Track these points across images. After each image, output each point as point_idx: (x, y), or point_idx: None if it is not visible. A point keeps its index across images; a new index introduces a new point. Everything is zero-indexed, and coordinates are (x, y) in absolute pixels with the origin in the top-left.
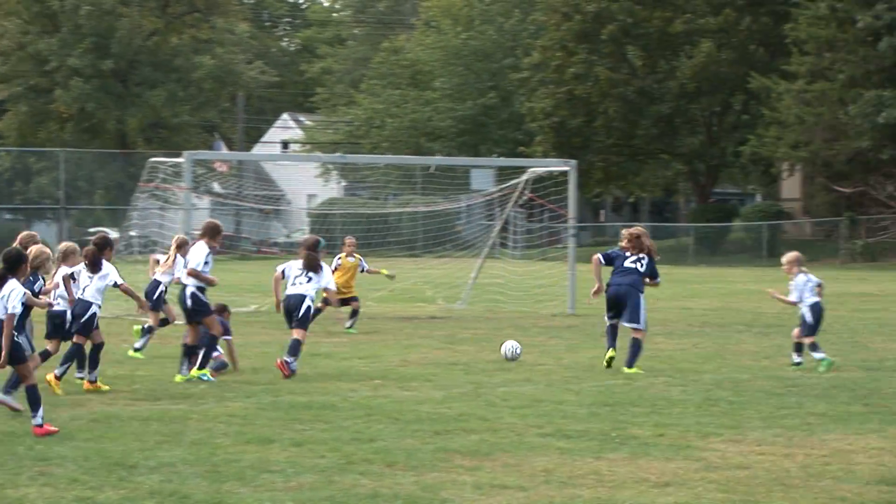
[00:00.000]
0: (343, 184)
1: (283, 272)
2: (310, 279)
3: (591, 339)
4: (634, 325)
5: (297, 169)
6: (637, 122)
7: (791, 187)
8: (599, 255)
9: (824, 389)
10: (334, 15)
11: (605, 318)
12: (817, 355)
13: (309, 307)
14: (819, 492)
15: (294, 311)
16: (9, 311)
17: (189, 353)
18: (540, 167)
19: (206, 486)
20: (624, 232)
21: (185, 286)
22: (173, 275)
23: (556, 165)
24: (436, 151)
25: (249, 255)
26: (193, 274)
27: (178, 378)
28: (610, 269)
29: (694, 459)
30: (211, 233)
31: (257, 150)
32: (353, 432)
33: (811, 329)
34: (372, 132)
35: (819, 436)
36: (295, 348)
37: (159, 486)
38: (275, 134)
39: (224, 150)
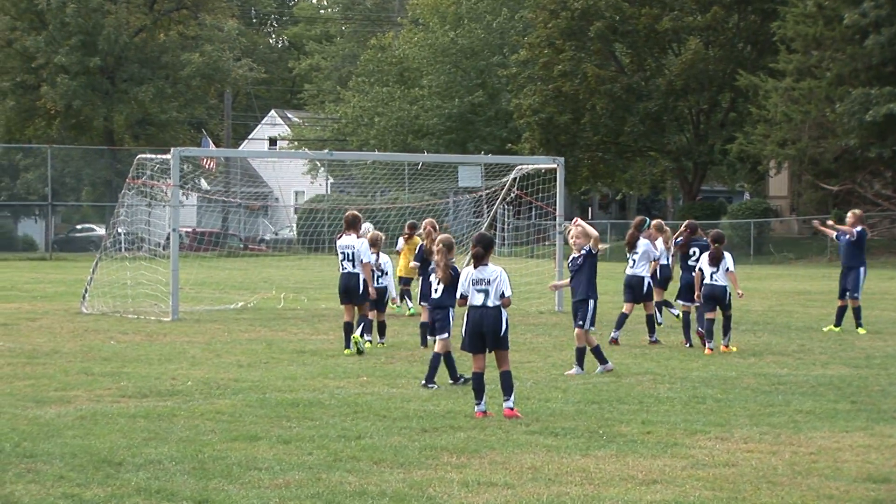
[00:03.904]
0: (330, 181)
1: None
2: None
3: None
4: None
5: (285, 166)
6: (625, 120)
7: (778, 185)
8: None
9: (811, 387)
10: (322, 12)
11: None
12: None
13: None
14: (806, 489)
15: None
16: None
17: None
18: (527, 164)
19: (192, 484)
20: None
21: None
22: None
23: (544, 163)
24: (423, 149)
25: (237, 252)
26: None
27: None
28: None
29: (681, 457)
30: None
31: (245, 147)
32: (340, 429)
33: None
34: (360, 129)
35: (806, 433)
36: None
37: (146, 483)
38: (262, 131)
39: (212, 147)
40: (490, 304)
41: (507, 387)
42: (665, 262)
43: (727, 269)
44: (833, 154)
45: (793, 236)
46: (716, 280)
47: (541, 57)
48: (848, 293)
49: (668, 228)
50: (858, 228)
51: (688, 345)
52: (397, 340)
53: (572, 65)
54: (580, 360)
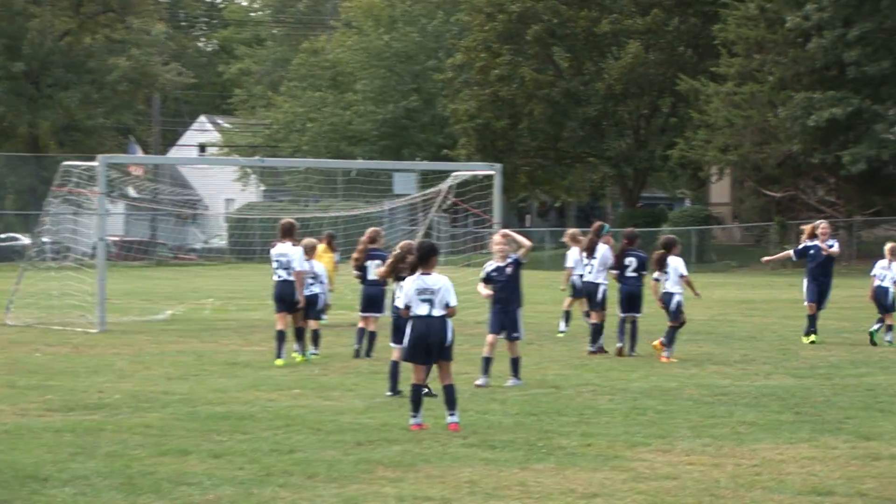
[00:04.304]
0: (262, 188)
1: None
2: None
3: (519, 345)
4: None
5: (215, 173)
6: (563, 125)
7: (720, 191)
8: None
9: (754, 398)
10: (252, 15)
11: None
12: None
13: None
14: (749, 502)
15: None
16: None
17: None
18: (464, 171)
19: (121, 500)
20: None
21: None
22: None
23: (481, 169)
24: (357, 155)
25: (166, 261)
26: None
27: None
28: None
29: (621, 470)
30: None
31: (174, 153)
32: (272, 443)
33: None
34: (291, 135)
35: (749, 445)
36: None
37: (73, 499)
38: (192, 137)
39: (139, 154)
40: (435, 313)
41: (450, 401)
42: (581, 273)
43: (680, 275)
44: (776, 160)
45: (735, 244)
46: (665, 288)
47: (477, 61)
48: (818, 303)
49: (582, 238)
50: (833, 242)
51: (614, 350)
52: (331, 351)
53: (509, 69)
54: (516, 371)
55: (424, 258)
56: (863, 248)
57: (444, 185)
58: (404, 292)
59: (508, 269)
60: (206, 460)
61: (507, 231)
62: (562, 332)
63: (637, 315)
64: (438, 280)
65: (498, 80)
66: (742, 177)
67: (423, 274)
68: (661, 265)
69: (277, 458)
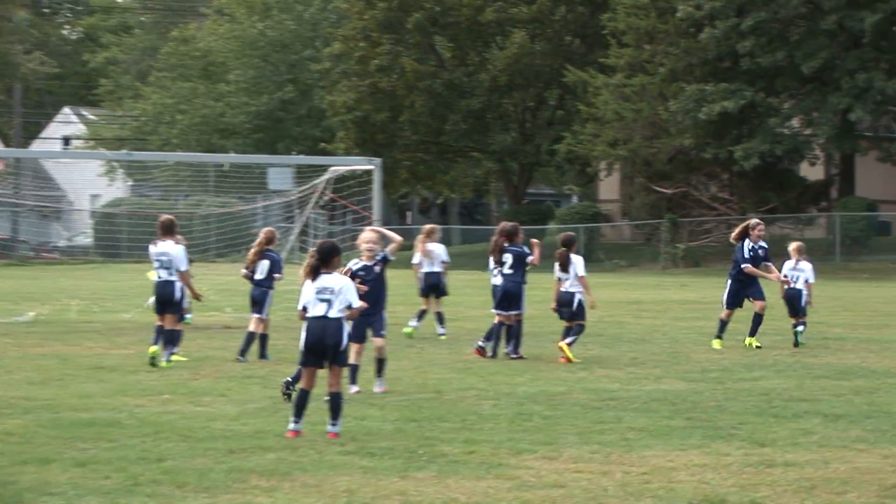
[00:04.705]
0: (129, 183)
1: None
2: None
3: (400, 348)
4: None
5: (80, 167)
6: (446, 118)
7: (609, 188)
8: None
9: (644, 403)
10: (119, 1)
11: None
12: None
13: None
14: None
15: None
16: None
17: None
18: (342, 165)
19: None
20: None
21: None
22: None
23: (360, 164)
24: (230, 149)
25: (28, 260)
26: None
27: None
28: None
29: (506, 478)
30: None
31: (36, 146)
32: (139, 451)
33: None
34: (161, 128)
35: (638, 452)
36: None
37: None
38: (55, 129)
39: (0, 147)
40: (332, 315)
41: (335, 409)
42: (437, 269)
43: (578, 275)
44: (667, 155)
45: (624, 242)
46: (567, 287)
47: (356, 50)
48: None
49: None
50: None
51: (490, 355)
52: (203, 355)
53: (390, 59)
54: (380, 372)
55: (325, 258)
56: None
57: (321, 181)
58: (303, 293)
59: (377, 268)
60: (71, 469)
61: (376, 227)
62: (442, 334)
63: (517, 313)
64: (339, 280)
65: (378, 70)
66: (632, 172)
67: (323, 274)
68: (566, 264)
69: (145, 466)
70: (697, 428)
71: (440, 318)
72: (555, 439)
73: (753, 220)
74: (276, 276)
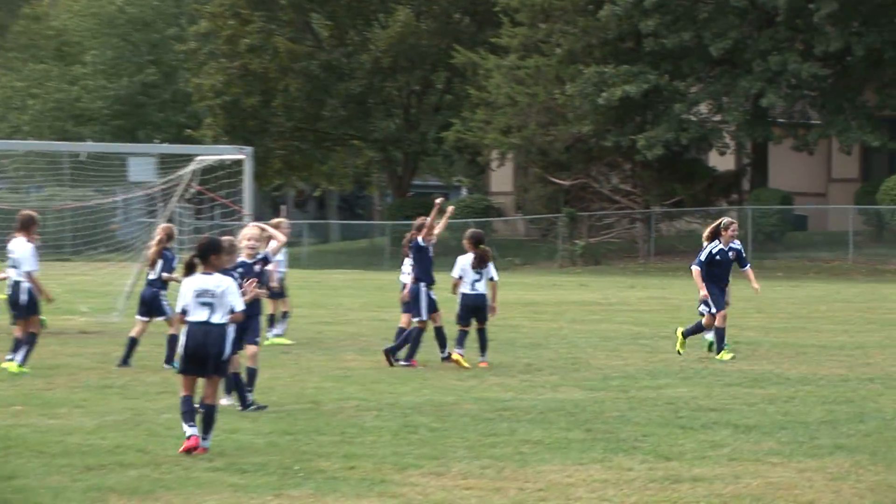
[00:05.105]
0: None
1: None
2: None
3: (273, 356)
4: None
5: None
6: (323, 103)
7: (502, 179)
8: None
9: (540, 413)
10: None
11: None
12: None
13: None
14: None
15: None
16: None
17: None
18: (209, 155)
19: None
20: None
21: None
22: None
23: (229, 153)
24: (86, 137)
25: None
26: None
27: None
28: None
29: (390, 496)
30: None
31: None
32: None
33: None
34: (10, 113)
35: (534, 467)
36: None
37: None
38: None
39: None
40: (215, 320)
41: (208, 423)
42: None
43: (490, 277)
44: (564, 143)
45: (519, 238)
46: (477, 288)
47: (224, 29)
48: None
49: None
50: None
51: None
52: (56, 362)
53: (261, 38)
54: (251, 383)
55: (204, 256)
56: (662, 243)
57: (186, 172)
58: (181, 294)
59: (257, 268)
60: None
61: (259, 223)
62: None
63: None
64: (221, 281)
65: (248, 50)
66: (526, 162)
67: (203, 273)
68: (484, 263)
69: None
70: (598, 440)
71: (271, 320)
72: (443, 453)
73: (726, 220)
74: (165, 275)
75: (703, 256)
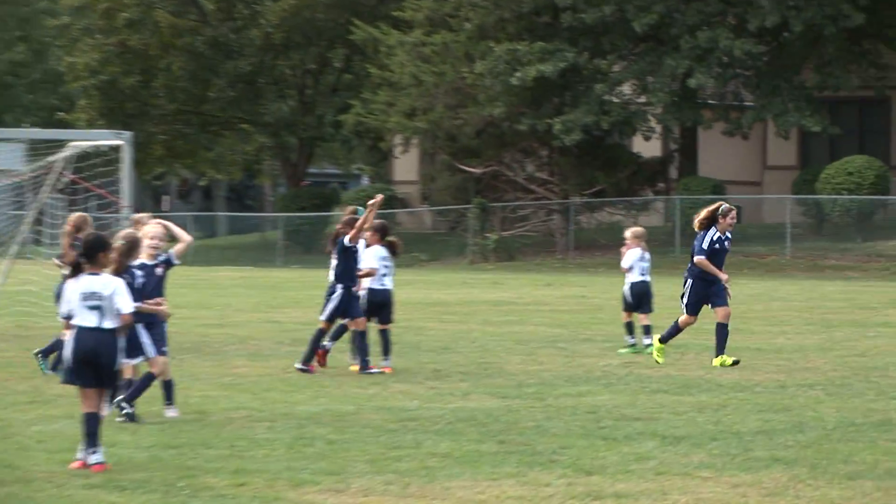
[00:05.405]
0: None
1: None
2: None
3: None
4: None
5: None
6: (209, 83)
7: (406, 167)
8: None
9: (448, 423)
10: None
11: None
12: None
13: None
14: None
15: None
16: None
17: None
18: (84, 140)
19: None
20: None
21: None
22: None
23: (106, 138)
24: None
25: None
26: None
27: None
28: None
29: None
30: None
31: None
32: None
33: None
34: None
35: (441, 482)
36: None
37: None
38: None
39: None
40: (106, 325)
41: (91, 434)
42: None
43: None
44: (474, 127)
45: (425, 231)
46: (385, 283)
47: (100, 2)
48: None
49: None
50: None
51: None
52: None
53: (140, 12)
54: (170, 396)
55: (90, 255)
56: (582, 237)
57: (58, 159)
58: (65, 297)
59: (158, 270)
60: None
61: (163, 221)
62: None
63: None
64: (109, 283)
65: (126, 25)
66: (433, 148)
67: (90, 274)
68: (394, 255)
69: None
70: (512, 453)
71: None
72: (342, 468)
73: (725, 206)
74: (56, 261)
75: (705, 244)
